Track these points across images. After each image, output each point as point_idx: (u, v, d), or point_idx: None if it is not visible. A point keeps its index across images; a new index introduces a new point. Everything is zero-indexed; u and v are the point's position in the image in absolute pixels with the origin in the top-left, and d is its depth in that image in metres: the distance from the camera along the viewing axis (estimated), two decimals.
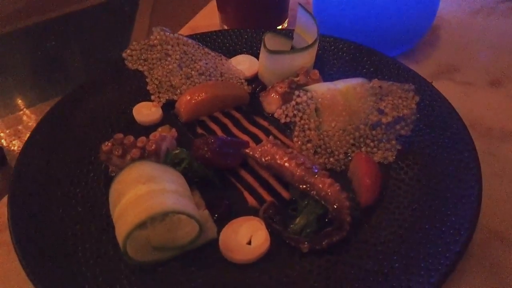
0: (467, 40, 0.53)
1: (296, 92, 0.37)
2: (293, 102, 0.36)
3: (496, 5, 0.59)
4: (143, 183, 0.28)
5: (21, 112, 0.49)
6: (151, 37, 0.42)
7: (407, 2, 0.44)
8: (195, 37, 0.49)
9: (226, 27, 0.56)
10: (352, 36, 0.47)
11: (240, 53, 0.48)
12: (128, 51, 0.41)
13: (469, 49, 0.51)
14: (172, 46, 0.42)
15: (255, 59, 0.46)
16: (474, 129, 0.41)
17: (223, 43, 0.49)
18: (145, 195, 0.27)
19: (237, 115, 0.42)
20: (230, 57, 0.47)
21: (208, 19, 0.60)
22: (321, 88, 0.37)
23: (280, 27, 0.55)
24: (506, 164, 0.37)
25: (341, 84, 0.38)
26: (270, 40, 0.44)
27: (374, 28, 0.46)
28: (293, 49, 0.45)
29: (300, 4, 0.46)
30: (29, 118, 0.48)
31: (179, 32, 0.58)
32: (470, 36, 0.54)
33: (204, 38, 0.49)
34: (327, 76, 0.44)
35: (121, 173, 0.29)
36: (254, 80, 0.45)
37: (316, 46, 0.42)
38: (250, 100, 0.43)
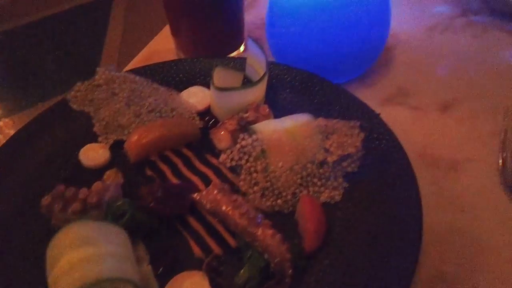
0: (422, 59, 0.54)
1: (241, 135, 0.36)
2: (238, 145, 0.36)
3: (451, 21, 0.60)
4: (78, 246, 0.28)
5: None
6: (96, 77, 0.41)
7: (357, 30, 0.44)
8: (147, 69, 0.48)
9: (181, 54, 0.55)
10: (305, 64, 0.47)
11: (194, 84, 0.48)
12: (73, 92, 0.40)
13: (422, 71, 0.52)
14: (119, 84, 0.42)
15: (208, 90, 0.46)
16: (423, 158, 0.41)
17: (176, 74, 0.49)
18: (79, 262, 0.27)
19: (188, 153, 0.41)
20: (184, 88, 0.47)
21: (165, 43, 0.59)
22: (268, 128, 0.37)
23: (236, 52, 0.55)
24: (451, 198, 0.38)
25: (288, 122, 0.38)
26: (220, 74, 0.43)
27: (326, 56, 0.46)
28: (241, 86, 0.45)
29: (249, 36, 0.46)
30: None
31: (134, 59, 0.58)
32: (424, 55, 0.54)
33: (155, 70, 0.48)
34: (279, 106, 0.44)
35: (56, 236, 0.29)
36: (207, 113, 0.45)
37: (265, 81, 0.42)
38: (202, 135, 0.43)
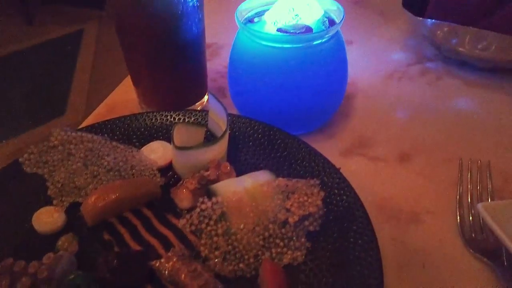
0: (380, 108, 0.55)
1: (200, 199, 0.36)
2: (198, 209, 0.35)
3: (406, 68, 0.62)
4: None
5: None
6: (51, 138, 0.40)
7: (315, 85, 0.45)
8: (107, 124, 0.47)
9: (143, 105, 0.54)
10: (267, 116, 0.47)
11: (156, 138, 0.47)
12: (26, 155, 0.39)
13: (381, 120, 0.53)
14: (75, 144, 0.40)
15: (169, 145, 0.45)
16: (383, 211, 0.42)
17: (137, 128, 0.48)
18: None
19: (148, 213, 0.40)
20: (145, 143, 0.46)
21: (128, 93, 0.59)
22: (228, 189, 0.37)
23: (200, 102, 0.55)
24: (412, 253, 0.38)
25: (249, 182, 0.38)
26: (181, 130, 0.43)
27: (286, 110, 0.47)
28: (202, 144, 0.44)
29: (210, 92, 0.46)
30: None
31: (96, 110, 0.57)
32: (382, 104, 0.56)
33: (115, 124, 0.47)
34: (240, 160, 0.44)
35: None
36: (169, 169, 0.44)
37: (226, 138, 0.42)
38: (163, 192, 0.42)
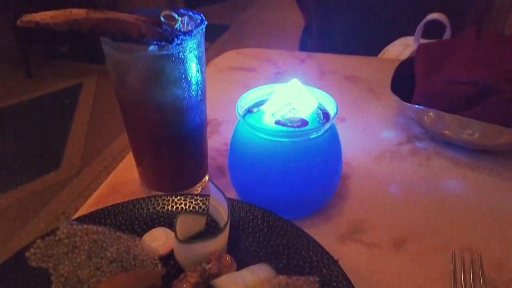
0: (373, 190, 0.57)
1: None
2: None
3: (397, 147, 0.65)
4: None
5: None
6: (58, 232, 0.41)
7: (312, 174, 0.48)
8: (110, 209, 0.49)
9: (145, 186, 0.56)
10: (265, 201, 0.49)
11: (158, 224, 0.48)
12: (32, 250, 0.40)
13: (375, 203, 0.55)
14: (81, 237, 0.42)
15: (171, 232, 0.47)
16: None
17: (139, 214, 0.49)
18: None
19: None
20: (147, 229, 0.47)
21: (128, 172, 0.60)
22: (229, 286, 0.38)
23: (200, 182, 0.57)
24: None
25: (250, 279, 0.39)
26: (183, 220, 0.45)
27: (284, 197, 0.49)
28: (204, 238, 0.45)
29: (211, 181, 0.48)
30: None
31: (99, 190, 0.58)
32: (376, 185, 0.58)
33: (117, 210, 0.49)
34: (240, 247, 0.45)
35: None
36: (171, 257, 0.45)
37: (227, 230, 0.44)
38: (164, 282, 0.42)
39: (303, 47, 1.60)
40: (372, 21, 1.34)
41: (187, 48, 0.44)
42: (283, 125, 0.48)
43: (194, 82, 0.47)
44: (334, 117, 0.47)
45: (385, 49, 1.13)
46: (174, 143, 0.51)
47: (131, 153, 0.63)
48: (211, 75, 0.90)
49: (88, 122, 2.57)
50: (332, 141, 0.49)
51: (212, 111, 0.76)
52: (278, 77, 0.89)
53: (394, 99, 0.68)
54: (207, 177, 0.58)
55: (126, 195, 0.56)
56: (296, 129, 0.47)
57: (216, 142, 0.68)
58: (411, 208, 0.54)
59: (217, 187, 0.46)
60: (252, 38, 3.74)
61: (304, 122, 0.48)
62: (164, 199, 0.51)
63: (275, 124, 0.48)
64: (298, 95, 0.49)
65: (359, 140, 0.67)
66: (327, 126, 0.46)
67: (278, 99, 0.49)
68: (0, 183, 2.13)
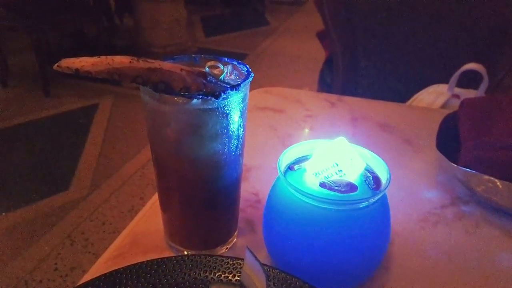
0: (420, 259, 0.52)
1: None
2: None
3: (441, 210, 0.60)
4: None
5: None
6: None
7: (357, 245, 0.43)
8: (132, 268, 0.44)
9: (170, 241, 0.51)
10: (301, 270, 0.44)
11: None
12: None
13: (421, 275, 0.50)
14: None
15: None
16: None
17: (163, 275, 0.45)
18: None
19: None
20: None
21: (150, 222, 0.56)
22: None
23: (230, 240, 0.52)
24: None
25: None
26: None
27: (325, 269, 0.44)
28: None
29: (248, 248, 0.44)
30: None
31: (118, 241, 0.54)
32: (421, 254, 0.53)
33: (141, 269, 0.44)
34: None
35: None
36: None
37: None
38: None
39: (324, 81, 1.57)
40: (400, 65, 1.31)
41: (232, 102, 0.41)
42: (330, 189, 0.43)
43: (235, 137, 0.43)
44: (387, 185, 0.43)
45: (416, 95, 1.10)
46: (207, 199, 0.46)
47: (153, 200, 0.59)
48: None
49: (101, 143, 2.55)
50: (382, 211, 0.44)
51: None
52: (308, 120, 0.86)
53: (437, 156, 0.63)
54: (236, 234, 0.54)
55: (149, 248, 0.52)
56: (345, 195, 0.42)
57: (245, 191, 0.63)
58: (460, 284, 0.49)
59: (254, 256, 0.42)
60: (270, 68, 3.75)
61: (352, 187, 0.44)
62: (193, 260, 0.46)
63: (320, 187, 0.44)
64: (345, 155, 0.45)
65: (400, 199, 0.63)
66: (380, 195, 0.42)
67: (323, 157, 0.45)
68: (9, 200, 2.10)
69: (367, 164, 0.47)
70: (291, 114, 0.88)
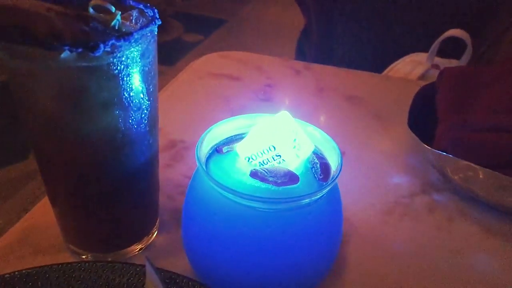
0: (380, 261, 0.43)
1: None
2: None
3: (410, 200, 0.51)
4: None
5: None
6: None
7: (299, 254, 0.33)
8: (24, 274, 0.33)
9: (66, 242, 0.40)
10: (231, 284, 0.34)
11: None
12: None
13: (383, 282, 0.41)
14: None
15: None
16: None
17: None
18: None
19: None
20: None
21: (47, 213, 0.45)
22: None
23: (146, 240, 0.41)
24: None
25: None
26: None
27: (260, 281, 0.34)
28: None
29: (147, 258, 0.33)
30: None
31: (5, 237, 0.43)
32: (383, 255, 0.44)
33: (35, 275, 0.33)
34: None
35: None
36: None
37: None
38: None
39: (301, 50, 1.45)
40: (379, 32, 1.20)
41: (124, 59, 0.29)
42: (262, 179, 0.33)
43: (134, 108, 0.32)
44: (337, 176, 0.32)
45: (392, 65, 0.99)
46: (104, 190, 0.35)
47: None
48: (187, 83, 0.75)
49: None
50: (330, 208, 0.34)
51: (180, 131, 0.60)
52: (267, 90, 0.74)
53: (405, 130, 0.53)
54: (155, 230, 0.43)
55: (42, 249, 0.41)
56: (281, 188, 0.32)
57: (179, 175, 0.52)
58: None
59: (155, 269, 0.31)
60: (250, 35, 3.57)
61: (292, 177, 0.33)
62: (82, 269, 0.35)
63: (250, 178, 0.33)
64: (287, 135, 0.34)
65: (362, 185, 0.53)
66: (326, 189, 0.31)
67: (258, 138, 0.34)
68: None
69: (316, 147, 0.36)
70: (249, 82, 0.77)
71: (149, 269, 0.32)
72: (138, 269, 0.35)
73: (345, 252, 0.43)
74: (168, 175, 0.52)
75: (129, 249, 0.40)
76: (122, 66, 0.29)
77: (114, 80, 0.29)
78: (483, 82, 0.56)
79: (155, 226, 0.42)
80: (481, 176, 0.45)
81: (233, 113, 0.67)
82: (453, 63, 0.90)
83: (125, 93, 0.30)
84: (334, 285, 0.40)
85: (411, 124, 0.52)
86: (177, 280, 0.35)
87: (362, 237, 0.45)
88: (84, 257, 0.39)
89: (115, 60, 0.28)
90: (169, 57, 2.79)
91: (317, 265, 0.34)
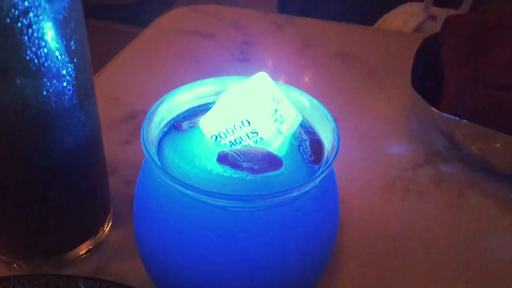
0: (382, 249, 0.36)
1: None
2: None
3: (413, 173, 0.44)
4: None
5: None
6: None
7: (284, 261, 0.25)
8: None
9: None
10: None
11: None
12: None
13: (384, 273, 0.34)
14: None
15: None
16: None
17: None
18: None
19: None
20: None
21: None
22: None
23: (91, 240, 0.33)
24: None
25: None
26: None
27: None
28: None
29: (80, 279, 0.25)
30: None
31: None
32: (385, 241, 0.37)
33: None
34: None
35: None
36: None
37: None
38: None
39: (283, 2, 1.33)
40: None
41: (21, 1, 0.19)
42: (234, 165, 0.24)
43: (50, 74, 0.23)
44: (334, 156, 0.24)
45: (384, 17, 0.90)
46: (27, 185, 0.26)
47: None
48: (151, 43, 0.65)
49: None
50: (326, 200, 0.26)
51: (141, 99, 0.51)
52: (245, 48, 0.64)
53: (406, 90, 0.46)
54: (107, 224, 0.35)
55: None
56: (259, 176, 0.24)
57: (140, 153, 0.43)
58: (438, 278, 0.33)
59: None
60: None
61: (273, 161, 0.25)
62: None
63: (217, 164, 0.24)
64: (265, 104, 0.26)
65: (357, 158, 0.45)
66: (321, 176, 0.23)
67: (228, 110, 0.26)
68: None
69: (303, 119, 0.28)
70: (223, 40, 0.67)
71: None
72: (79, 283, 0.27)
73: (340, 242, 0.36)
74: (126, 154, 0.43)
75: (74, 252, 0.32)
76: (17, 12, 0.20)
77: (7, 32, 0.20)
78: (494, 31, 0.48)
79: (107, 220, 0.34)
80: (498, 145, 0.38)
81: (206, 76, 0.57)
82: (451, 13, 0.81)
83: (28, 52, 0.21)
84: (328, 284, 0.32)
85: (415, 83, 0.43)
86: None
87: (360, 221, 0.38)
88: (15, 266, 0.31)
89: (5, 5, 0.19)
90: (141, 16, 2.61)
91: (306, 273, 0.27)
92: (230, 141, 0.26)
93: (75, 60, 0.24)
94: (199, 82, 0.29)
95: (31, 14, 0.20)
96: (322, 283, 0.32)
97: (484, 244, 0.37)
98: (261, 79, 0.26)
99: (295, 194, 0.22)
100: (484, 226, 0.38)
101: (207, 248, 0.24)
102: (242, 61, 0.61)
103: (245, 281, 0.24)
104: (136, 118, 0.48)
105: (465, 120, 0.38)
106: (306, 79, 0.59)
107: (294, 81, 0.57)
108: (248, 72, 0.27)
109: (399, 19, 0.84)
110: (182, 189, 0.22)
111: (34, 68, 0.22)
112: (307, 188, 0.23)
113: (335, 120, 0.26)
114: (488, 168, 0.42)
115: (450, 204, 0.40)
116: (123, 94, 0.51)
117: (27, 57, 0.21)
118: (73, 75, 0.24)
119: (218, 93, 0.29)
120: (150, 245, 0.26)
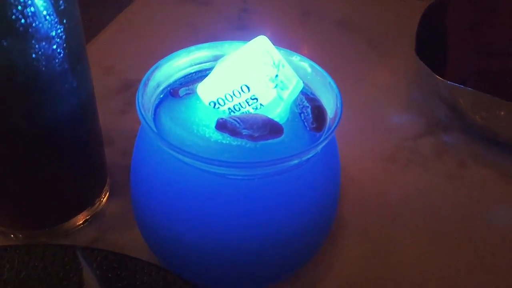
0: (380, 226, 0.36)
1: None
2: None
3: (414, 142, 0.43)
4: None
5: None
6: None
7: (284, 230, 0.24)
8: None
9: None
10: (200, 266, 0.26)
11: None
12: None
13: (383, 247, 0.34)
14: None
15: None
16: None
17: None
18: None
19: None
20: None
21: None
22: None
23: (88, 210, 0.33)
24: None
25: None
26: None
27: (236, 264, 0.26)
28: None
29: (79, 249, 0.24)
30: None
31: None
32: (385, 212, 0.36)
33: None
34: None
35: None
36: None
37: None
38: None
39: None
40: None
41: None
42: (233, 132, 0.23)
43: (38, 35, 0.21)
44: (336, 124, 0.23)
45: None
46: (21, 153, 0.26)
47: None
48: (145, 10, 0.62)
49: None
50: (328, 168, 0.25)
51: (136, 68, 0.49)
52: (243, 16, 0.62)
53: (406, 59, 0.44)
54: (105, 194, 0.34)
55: None
56: (259, 144, 0.23)
57: (136, 123, 0.42)
58: (443, 253, 0.33)
59: (87, 261, 0.23)
60: None
61: (273, 128, 0.24)
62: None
63: (216, 132, 0.24)
64: (265, 69, 0.24)
65: (357, 127, 0.44)
66: (322, 143, 0.22)
67: (226, 75, 0.25)
68: None
69: (305, 85, 0.27)
70: (220, 7, 0.64)
71: (83, 263, 0.23)
72: (77, 252, 0.27)
73: (341, 212, 0.36)
74: (122, 124, 0.42)
75: (71, 222, 0.32)
76: None
77: None
78: None
79: (104, 191, 0.34)
80: (502, 113, 0.37)
81: (201, 43, 0.56)
82: None
83: (14, 11, 0.20)
84: (328, 256, 0.32)
85: (419, 51, 0.42)
86: (128, 265, 0.27)
87: (361, 191, 0.38)
88: (12, 237, 0.31)
89: None
90: None
91: (307, 242, 0.27)
92: (229, 108, 0.25)
93: (64, 21, 0.23)
94: (196, 47, 0.28)
95: None
96: (323, 251, 0.32)
97: (485, 215, 0.37)
98: (261, 43, 0.25)
99: (296, 161, 0.22)
100: (485, 196, 0.38)
101: (205, 216, 0.23)
102: (240, 29, 0.59)
103: (245, 250, 0.24)
104: (131, 88, 0.47)
105: (470, 89, 0.37)
106: (306, 48, 0.58)
107: (293, 50, 0.56)
108: (247, 40, 0.26)
109: None
110: (180, 156, 0.21)
111: (21, 29, 0.20)
112: (309, 156, 0.22)
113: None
114: (491, 138, 0.41)
115: (451, 174, 0.40)
116: (117, 63, 0.50)
117: (13, 16, 0.20)
118: (63, 37, 0.23)
119: (216, 58, 0.28)
120: (147, 214, 0.26)
